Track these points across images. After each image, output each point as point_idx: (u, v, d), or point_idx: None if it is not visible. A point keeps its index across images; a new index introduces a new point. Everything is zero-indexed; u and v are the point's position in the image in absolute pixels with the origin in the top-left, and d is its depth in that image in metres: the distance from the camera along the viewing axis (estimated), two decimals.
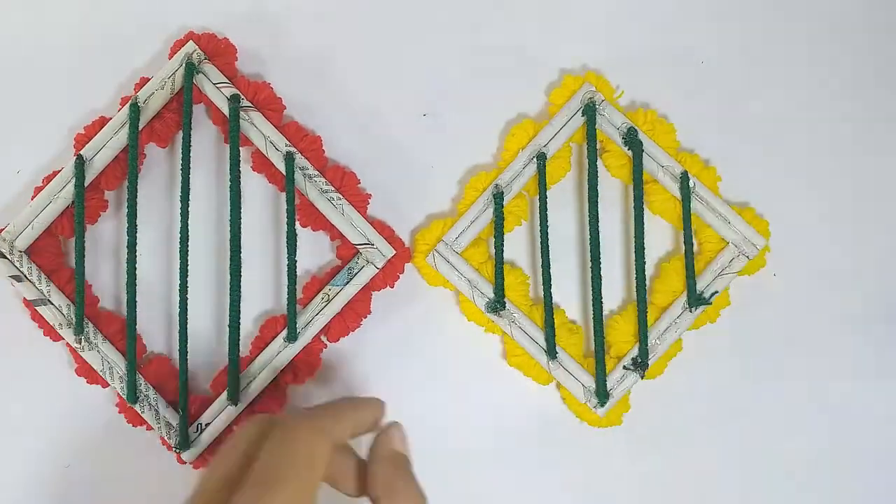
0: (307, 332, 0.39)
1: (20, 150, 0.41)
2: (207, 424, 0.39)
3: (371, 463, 0.33)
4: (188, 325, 0.39)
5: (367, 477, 0.33)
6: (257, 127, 0.39)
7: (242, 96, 0.39)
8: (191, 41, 0.40)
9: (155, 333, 0.41)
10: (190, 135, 0.39)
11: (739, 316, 0.42)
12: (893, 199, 0.43)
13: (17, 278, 0.39)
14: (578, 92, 0.41)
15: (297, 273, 0.39)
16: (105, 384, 0.39)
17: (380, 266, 0.40)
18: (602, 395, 0.40)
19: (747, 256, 0.41)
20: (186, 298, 0.39)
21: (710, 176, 0.41)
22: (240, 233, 0.39)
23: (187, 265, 0.39)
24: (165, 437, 0.39)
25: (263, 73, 0.42)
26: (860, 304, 0.43)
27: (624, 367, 0.40)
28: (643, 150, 0.40)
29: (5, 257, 0.38)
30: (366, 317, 0.41)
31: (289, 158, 0.39)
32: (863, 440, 0.42)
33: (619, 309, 0.42)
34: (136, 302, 0.39)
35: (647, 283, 0.42)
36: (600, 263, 0.40)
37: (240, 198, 0.39)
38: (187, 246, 0.39)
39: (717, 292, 0.41)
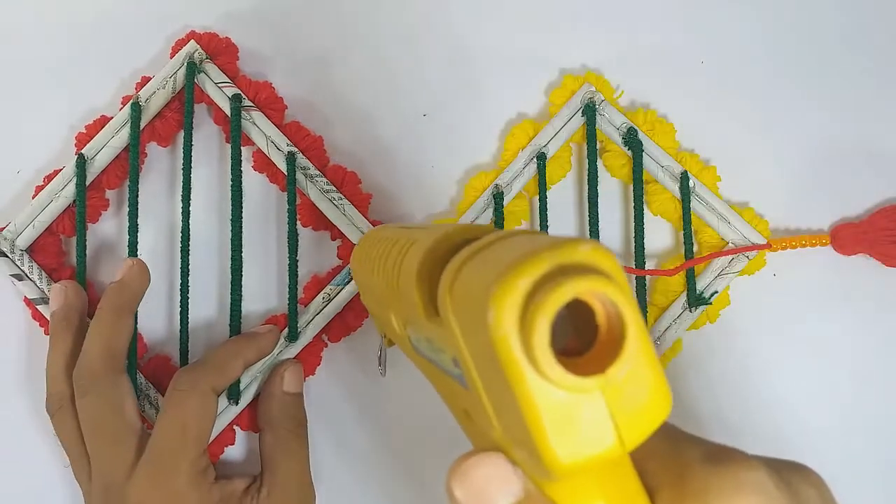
0: (308, 332, 0.39)
1: (21, 150, 0.41)
2: None
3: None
4: (188, 325, 0.39)
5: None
6: (259, 127, 0.39)
7: (244, 96, 0.39)
8: (192, 40, 0.40)
9: (155, 333, 0.41)
10: (191, 134, 0.39)
11: (739, 316, 0.42)
12: (894, 199, 0.43)
13: (18, 277, 0.39)
14: (578, 92, 0.41)
15: (298, 273, 0.40)
16: None
17: None
18: None
19: (747, 256, 0.41)
20: (187, 298, 0.39)
21: (710, 176, 0.41)
22: (241, 232, 0.39)
23: (188, 265, 0.39)
24: None
25: (265, 73, 0.42)
26: (860, 304, 0.43)
27: None
28: (643, 150, 0.40)
29: (6, 256, 0.38)
30: (367, 317, 0.41)
31: (290, 158, 0.39)
32: (863, 439, 0.42)
33: None
34: None
35: (647, 283, 0.42)
36: None
37: (241, 197, 0.39)
38: (188, 245, 0.39)
39: (717, 292, 0.41)
